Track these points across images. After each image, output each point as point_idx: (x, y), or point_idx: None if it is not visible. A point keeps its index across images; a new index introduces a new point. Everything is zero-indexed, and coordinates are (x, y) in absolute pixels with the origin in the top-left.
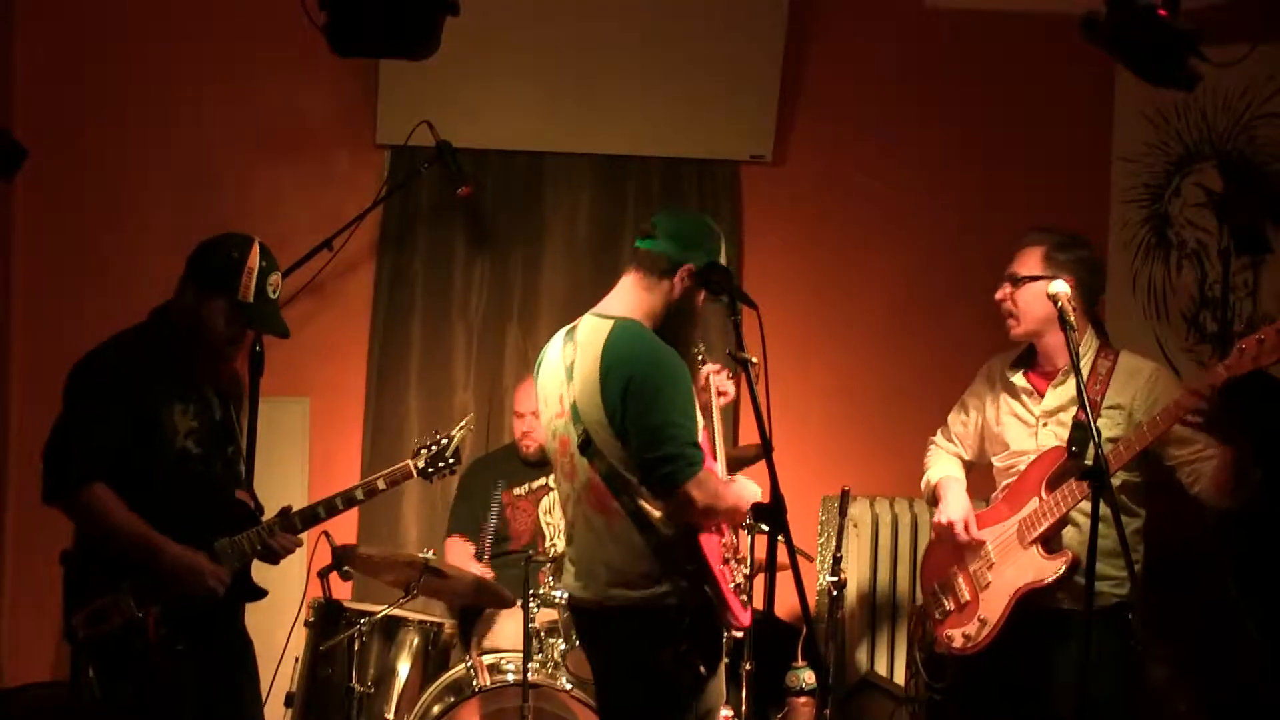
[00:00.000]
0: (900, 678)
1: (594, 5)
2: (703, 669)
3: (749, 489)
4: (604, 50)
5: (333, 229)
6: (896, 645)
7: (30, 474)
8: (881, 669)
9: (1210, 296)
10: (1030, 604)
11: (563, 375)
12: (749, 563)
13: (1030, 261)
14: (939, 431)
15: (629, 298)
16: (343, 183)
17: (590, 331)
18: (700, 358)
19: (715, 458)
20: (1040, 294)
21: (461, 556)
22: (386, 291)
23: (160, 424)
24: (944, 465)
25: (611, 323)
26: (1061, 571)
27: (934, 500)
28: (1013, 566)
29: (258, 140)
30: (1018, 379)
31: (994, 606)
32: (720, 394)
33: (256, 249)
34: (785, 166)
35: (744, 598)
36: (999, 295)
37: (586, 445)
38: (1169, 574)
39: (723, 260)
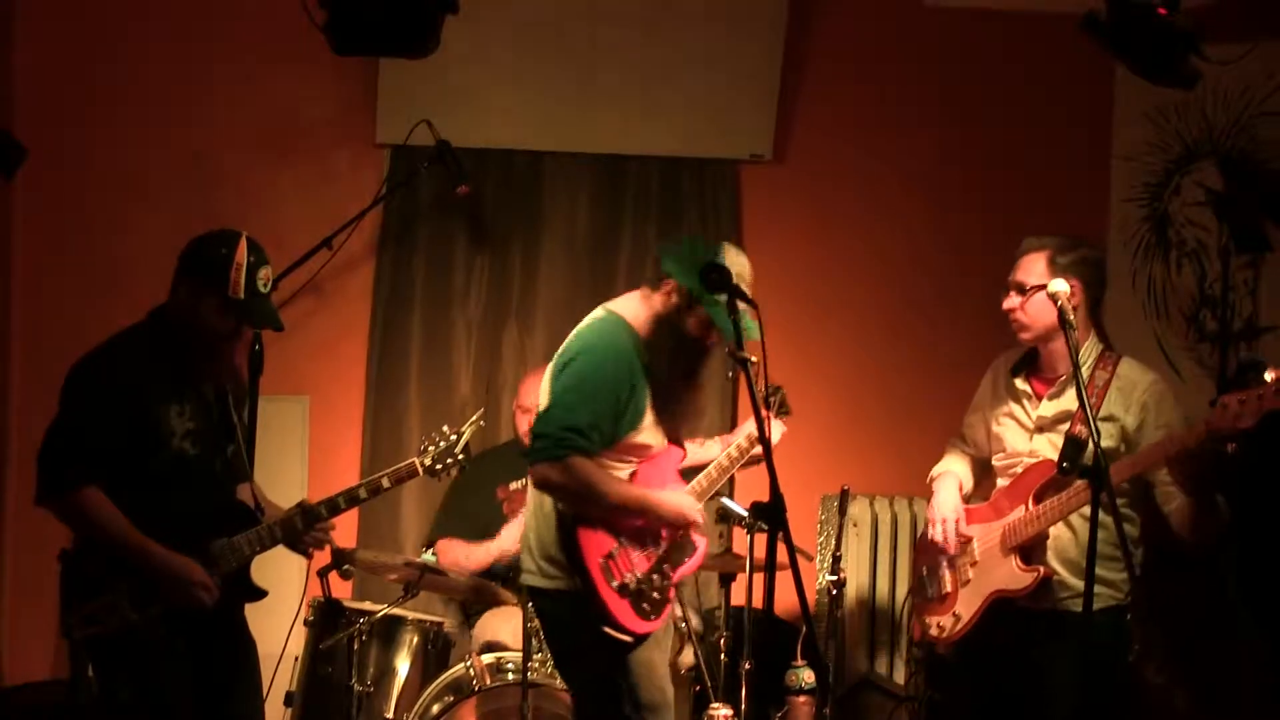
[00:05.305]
0: (900, 677)
1: (594, 5)
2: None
3: (684, 500)
4: (603, 50)
5: (332, 228)
6: (896, 644)
7: (30, 474)
8: (881, 668)
9: (1210, 295)
10: (1008, 605)
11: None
12: (749, 564)
13: (1035, 269)
14: (960, 431)
15: (630, 300)
16: (342, 182)
17: (585, 319)
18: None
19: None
20: (1047, 300)
21: (458, 559)
22: (386, 290)
23: (157, 425)
24: (950, 460)
25: (603, 313)
26: (1030, 585)
27: None
28: (992, 570)
29: (257, 139)
30: (1019, 382)
31: (969, 604)
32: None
33: (244, 244)
34: (785, 165)
35: (645, 605)
36: (1007, 305)
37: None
38: (1169, 573)
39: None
